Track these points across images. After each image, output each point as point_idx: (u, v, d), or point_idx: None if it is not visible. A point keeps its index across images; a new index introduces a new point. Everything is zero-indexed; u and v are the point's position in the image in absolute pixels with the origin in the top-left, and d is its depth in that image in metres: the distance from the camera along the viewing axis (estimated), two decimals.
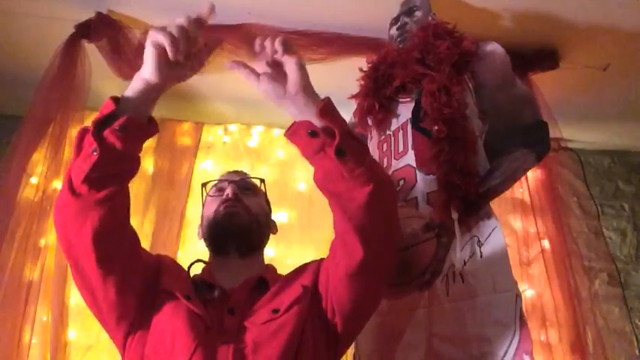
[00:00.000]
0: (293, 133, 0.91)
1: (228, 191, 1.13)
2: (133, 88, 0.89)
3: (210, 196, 1.19)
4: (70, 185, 0.88)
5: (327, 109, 0.88)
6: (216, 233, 1.12)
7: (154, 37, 0.86)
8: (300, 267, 1.11)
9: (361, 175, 0.87)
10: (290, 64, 0.89)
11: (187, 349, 0.88)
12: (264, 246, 1.18)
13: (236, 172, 1.25)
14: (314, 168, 0.93)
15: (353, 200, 0.88)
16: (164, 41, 0.84)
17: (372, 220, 0.90)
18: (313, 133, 0.87)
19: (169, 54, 0.85)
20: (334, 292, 0.98)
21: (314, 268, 1.07)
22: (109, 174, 0.87)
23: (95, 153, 0.84)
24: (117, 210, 0.91)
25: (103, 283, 0.93)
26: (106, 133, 0.85)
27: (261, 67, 0.91)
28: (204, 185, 1.22)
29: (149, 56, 0.87)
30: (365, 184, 0.87)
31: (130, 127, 0.86)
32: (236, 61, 0.92)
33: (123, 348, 0.99)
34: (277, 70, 0.90)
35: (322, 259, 1.07)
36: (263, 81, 0.90)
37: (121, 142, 0.85)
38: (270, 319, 0.95)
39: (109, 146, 0.85)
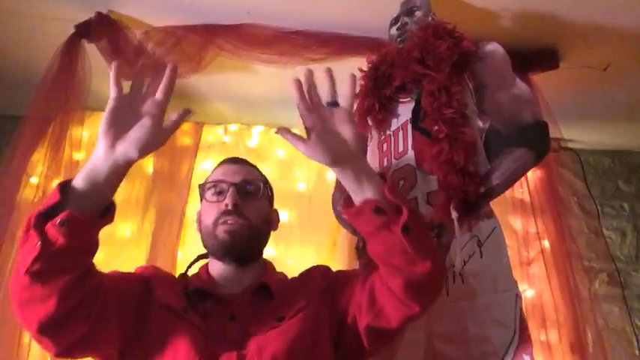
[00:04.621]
0: (357, 213, 0.91)
1: (228, 201, 1.06)
2: (84, 168, 0.84)
3: (209, 201, 1.11)
4: (16, 273, 0.82)
5: (394, 185, 0.90)
6: (215, 249, 1.08)
7: None
8: (306, 274, 1.10)
9: (424, 251, 0.90)
10: (342, 118, 0.89)
11: None
12: (264, 249, 1.16)
13: (236, 163, 1.18)
14: (370, 241, 0.93)
15: (415, 273, 0.89)
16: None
17: (430, 288, 0.94)
18: (379, 210, 0.88)
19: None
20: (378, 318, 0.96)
21: (326, 279, 1.08)
22: (54, 268, 0.80)
23: (38, 245, 0.78)
24: (69, 297, 0.82)
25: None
26: (48, 226, 0.78)
27: (306, 117, 0.88)
28: (201, 187, 1.16)
29: None
30: (426, 258, 0.89)
31: (72, 223, 0.78)
32: (282, 128, 0.89)
33: None
34: (321, 119, 0.89)
35: (340, 273, 1.10)
36: (311, 146, 0.88)
37: (64, 238, 0.78)
38: (274, 326, 0.94)
39: (51, 241, 0.78)
